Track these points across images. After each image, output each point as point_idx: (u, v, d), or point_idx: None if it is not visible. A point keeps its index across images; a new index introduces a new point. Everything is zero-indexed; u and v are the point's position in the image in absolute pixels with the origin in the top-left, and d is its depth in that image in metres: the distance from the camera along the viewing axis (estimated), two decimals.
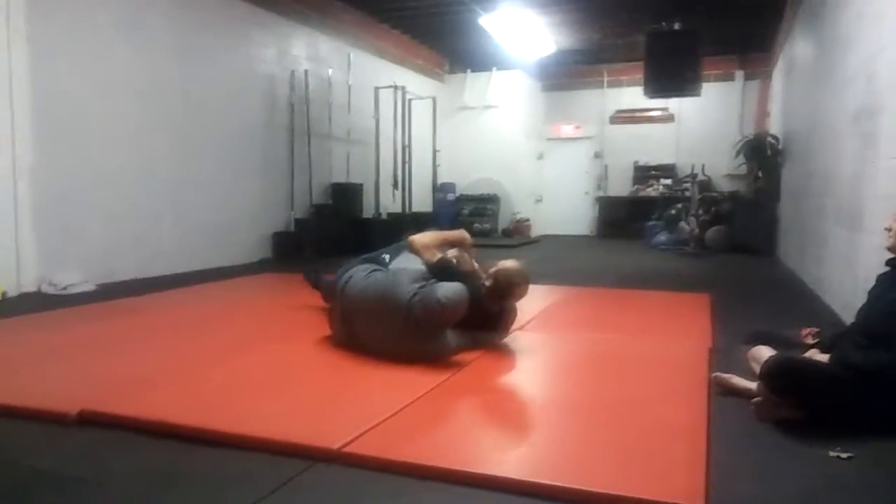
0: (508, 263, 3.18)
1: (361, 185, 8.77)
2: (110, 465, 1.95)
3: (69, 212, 5.23)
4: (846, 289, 4.08)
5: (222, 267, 6.53)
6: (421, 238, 3.48)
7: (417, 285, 3.01)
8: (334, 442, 1.97)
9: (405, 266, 3.23)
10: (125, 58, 5.71)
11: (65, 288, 4.93)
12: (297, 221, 7.77)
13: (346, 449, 1.95)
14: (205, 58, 6.57)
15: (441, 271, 3.14)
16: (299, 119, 7.81)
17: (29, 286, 4.95)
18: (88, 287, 5.07)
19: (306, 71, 7.88)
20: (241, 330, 3.80)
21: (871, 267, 3.22)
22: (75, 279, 5.04)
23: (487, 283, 3.13)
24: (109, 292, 4.94)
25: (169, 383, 2.63)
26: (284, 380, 2.75)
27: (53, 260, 5.08)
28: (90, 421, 2.21)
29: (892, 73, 3.38)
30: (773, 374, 2.21)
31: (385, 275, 3.21)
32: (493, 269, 3.15)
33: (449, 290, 2.92)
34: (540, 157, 12.83)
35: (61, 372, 2.83)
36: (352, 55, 8.81)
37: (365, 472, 1.86)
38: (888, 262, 2.40)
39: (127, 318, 4.02)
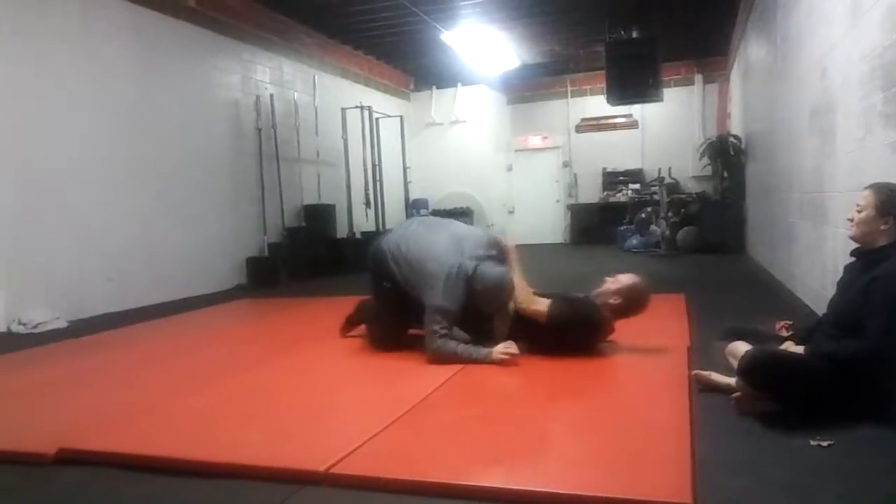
0: (627, 278, 3.26)
1: (333, 205, 8.75)
2: (94, 503, 1.91)
3: (35, 248, 5.12)
4: (816, 281, 4.17)
5: (196, 296, 6.44)
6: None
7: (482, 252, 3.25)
8: (320, 464, 1.96)
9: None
10: (86, 90, 5.64)
11: (35, 326, 4.82)
12: (271, 245, 7.71)
13: (333, 470, 1.94)
14: (168, 87, 6.52)
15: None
16: (267, 143, 7.78)
17: None
18: (60, 324, 4.97)
19: (272, 95, 7.86)
20: (218, 358, 3.75)
21: (838, 258, 3.31)
22: (45, 317, 4.93)
23: (612, 301, 3.19)
24: (81, 328, 4.84)
25: (148, 416, 2.59)
26: (266, 405, 2.72)
27: (21, 298, 4.96)
28: (69, 459, 2.16)
29: (843, 71, 3.49)
30: (750, 369, 2.25)
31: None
32: (612, 287, 3.22)
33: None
34: (509, 168, 12.94)
35: (36, 411, 2.76)
36: (317, 77, 8.82)
37: (353, 492, 1.85)
38: (853, 253, 2.46)
39: (101, 353, 3.94)
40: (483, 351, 3.10)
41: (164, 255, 6.32)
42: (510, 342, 3.11)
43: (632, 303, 3.20)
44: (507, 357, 3.04)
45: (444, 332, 3.12)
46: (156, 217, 6.29)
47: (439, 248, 3.27)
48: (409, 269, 3.27)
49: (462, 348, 3.12)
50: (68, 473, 2.10)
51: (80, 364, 3.67)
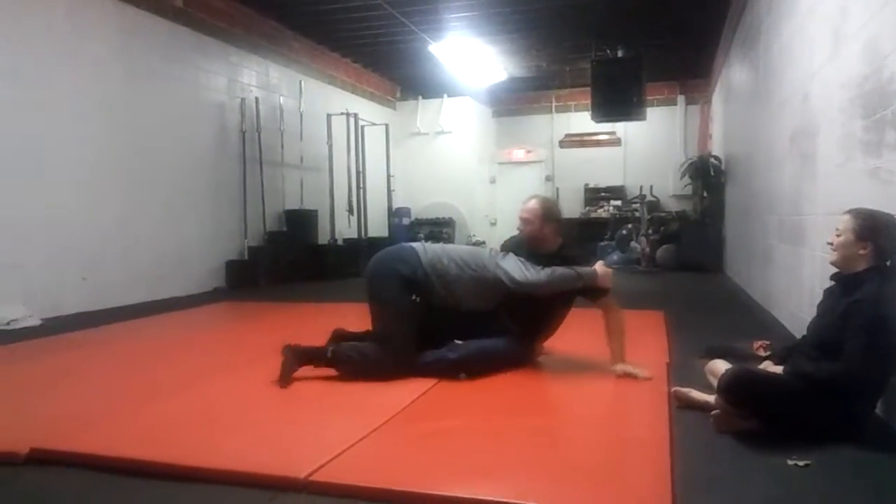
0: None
1: (316, 211, 8.72)
2: None
3: (10, 244, 5.02)
4: (793, 302, 4.24)
5: (174, 297, 6.36)
6: None
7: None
8: (300, 471, 1.94)
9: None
10: (70, 88, 5.57)
11: (8, 323, 4.73)
12: (251, 249, 7.65)
13: (313, 478, 1.92)
14: (153, 87, 6.46)
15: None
16: (251, 146, 7.74)
17: None
18: (33, 322, 4.87)
19: (257, 99, 7.83)
20: (195, 361, 3.70)
21: (816, 280, 3.37)
22: (19, 314, 4.84)
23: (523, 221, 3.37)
24: (56, 327, 4.76)
25: (123, 417, 2.55)
26: (245, 410, 2.69)
27: None
28: (41, 460, 2.12)
29: (824, 97, 3.57)
30: (730, 387, 2.27)
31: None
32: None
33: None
34: (493, 180, 12.99)
35: (8, 410, 2.70)
36: (303, 83, 8.81)
37: (332, 500, 1.83)
38: (832, 277, 2.50)
39: (76, 353, 3.88)
40: (589, 269, 3.15)
41: (142, 255, 6.24)
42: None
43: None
44: (609, 269, 3.16)
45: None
46: (135, 216, 6.21)
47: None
48: (465, 268, 3.19)
49: (572, 270, 3.13)
50: (40, 474, 2.06)
51: (54, 363, 3.60)
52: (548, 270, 3.11)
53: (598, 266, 3.16)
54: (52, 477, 2.04)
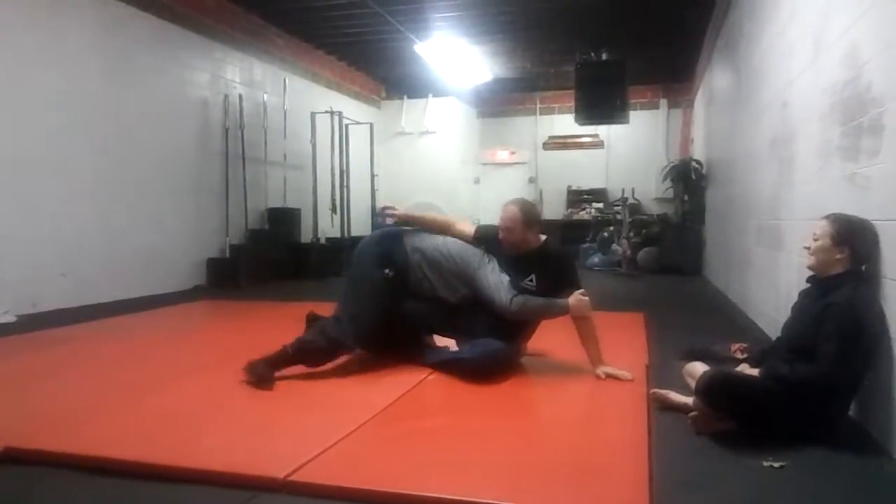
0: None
1: (299, 209, 8.68)
2: None
3: None
4: (770, 305, 4.29)
5: (153, 295, 6.29)
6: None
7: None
8: (279, 471, 1.93)
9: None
10: (50, 82, 5.48)
11: None
12: (233, 247, 7.59)
13: (292, 477, 1.92)
14: (135, 81, 6.38)
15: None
16: (233, 143, 7.68)
17: None
18: (8, 318, 4.80)
19: (240, 95, 7.77)
20: (174, 359, 3.66)
21: (793, 285, 3.41)
22: None
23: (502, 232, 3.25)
24: (32, 324, 4.69)
25: (100, 416, 2.52)
26: (223, 409, 2.67)
27: None
28: (16, 458, 2.09)
29: (804, 101, 3.62)
30: (708, 389, 2.30)
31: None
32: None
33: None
34: (476, 181, 13.01)
35: None
36: (287, 80, 8.76)
37: (313, 501, 1.83)
38: (809, 280, 2.54)
39: (52, 350, 3.82)
40: (562, 302, 3.10)
41: (122, 252, 6.16)
42: (582, 290, 3.15)
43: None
44: (585, 298, 3.10)
45: (518, 293, 3.11)
46: (115, 213, 6.13)
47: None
48: (448, 259, 3.24)
49: (545, 301, 3.12)
50: (14, 473, 2.03)
51: (30, 361, 3.55)
52: (520, 300, 3.09)
53: (573, 298, 3.09)
54: (26, 476, 2.01)
